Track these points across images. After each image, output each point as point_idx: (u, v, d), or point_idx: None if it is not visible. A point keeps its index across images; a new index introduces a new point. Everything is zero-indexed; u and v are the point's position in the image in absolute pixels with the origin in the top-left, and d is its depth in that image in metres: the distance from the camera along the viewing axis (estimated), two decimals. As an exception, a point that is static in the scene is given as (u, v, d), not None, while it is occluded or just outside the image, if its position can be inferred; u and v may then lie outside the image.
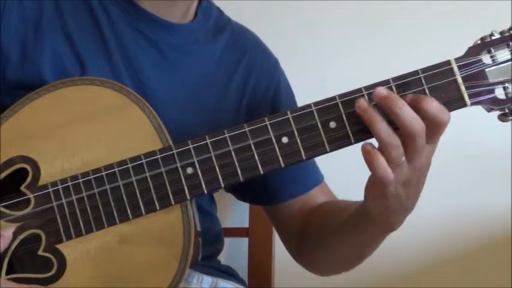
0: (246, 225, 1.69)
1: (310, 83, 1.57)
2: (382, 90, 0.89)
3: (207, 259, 1.19)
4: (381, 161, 0.89)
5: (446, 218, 1.73)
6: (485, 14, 1.60)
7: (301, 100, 0.97)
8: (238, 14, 1.29)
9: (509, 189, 1.67)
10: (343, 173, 1.59)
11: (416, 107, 0.89)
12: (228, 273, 1.28)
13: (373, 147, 0.90)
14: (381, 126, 0.89)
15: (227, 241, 1.38)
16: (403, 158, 0.90)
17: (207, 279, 1.20)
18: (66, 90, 0.99)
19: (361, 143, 0.93)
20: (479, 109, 0.95)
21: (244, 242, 1.69)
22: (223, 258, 1.33)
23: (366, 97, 0.92)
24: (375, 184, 0.92)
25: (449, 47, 0.96)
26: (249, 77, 1.20)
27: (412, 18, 1.71)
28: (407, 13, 1.71)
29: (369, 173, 0.92)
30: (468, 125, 1.63)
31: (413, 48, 1.66)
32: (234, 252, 1.71)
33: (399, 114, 0.88)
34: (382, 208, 0.95)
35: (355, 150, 0.96)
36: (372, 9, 1.71)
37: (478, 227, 1.72)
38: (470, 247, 1.72)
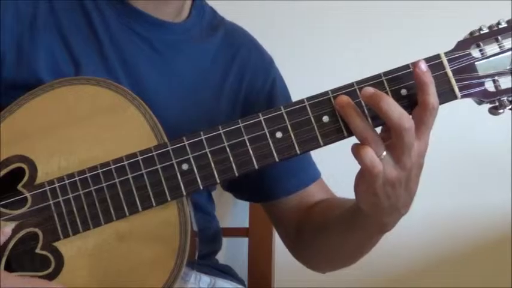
0: (246, 225, 1.69)
1: (307, 81, 1.58)
2: (368, 89, 0.90)
3: (205, 258, 1.20)
4: (369, 150, 0.90)
5: (446, 218, 1.73)
6: (485, 14, 1.60)
7: (298, 97, 0.98)
8: (238, 14, 1.30)
9: (509, 188, 1.67)
10: (341, 170, 1.59)
11: None
12: (226, 272, 1.28)
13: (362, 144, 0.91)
14: (356, 120, 0.91)
15: (227, 241, 1.38)
16: (384, 153, 0.91)
17: (205, 279, 1.20)
18: (62, 90, 1.00)
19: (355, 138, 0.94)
20: (477, 107, 0.96)
21: (243, 241, 1.69)
22: (223, 258, 1.34)
23: (358, 91, 0.93)
24: (364, 177, 0.93)
25: (448, 48, 0.96)
26: (244, 75, 1.21)
27: (409, 17, 1.71)
28: (403, 11, 1.71)
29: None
30: (467, 124, 1.64)
31: (410, 46, 1.66)
32: (234, 252, 1.71)
33: (386, 110, 0.89)
34: (372, 204, 0.96)
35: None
36: (367, 8, 1.72)
37: (478, 227, 1.72)
38: (469, 247, 1.72)
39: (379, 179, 0.91)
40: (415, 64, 0.90)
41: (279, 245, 1.36)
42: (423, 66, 0.90)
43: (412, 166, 0.92)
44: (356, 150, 0.91)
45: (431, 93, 0.89)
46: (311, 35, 1.74)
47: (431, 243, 1.74)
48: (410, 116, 0.90)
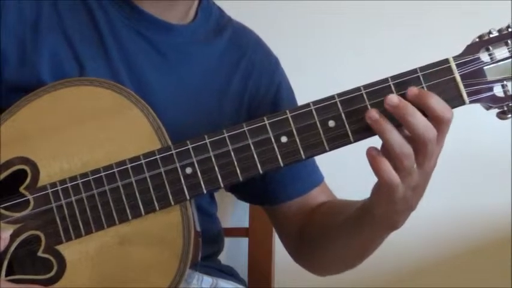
0: (246, 225, 1.69)
1: (310, 82, 1.57)
2: (393, 99, 0.89)
3: (207, 259, 1.19)
4: (387, 166, 0.89)
5: (446, 218, 1.73)
6: (485, 14, 1.60)
7: (302, 100, 0.97)
8: (238, 14, 1.29)
9: (509, 188, 1.67)
10: (344, 174, 1.59)
11: (420, 104, 0.89)
12: (228, 273, 1.28)
13: (378, 152, 0.90)
14: (394, 136, 0.89)
15: (227, 241, 1.37)
16: (415, 165, 0.90)
17: (207, 280, 1.19)
18: (65, 91, 0.99)
19: (360, 142, 0.93)
20: (479, 108, 0.95)
21: (244, 242, 1.69)
22: (223, 258, 1.33)
23: (365, 96, 0.92)
24: (382, 188, 0.92)
25: (450, 48, 0.96)
26: (249, 77, 1.20)
27: (413, 18, 1.71)
28: (407, 13, 1.71)
29: (371, 173, 0.92)
30: (468, 125, 1.63)
31: (414, 48, 1.66)
32: (234, 252, 1.71)
33: (412, 123, 0.88)
34: (389, 211, 0.95)
35: (356, 150, 0.96)
36: (372, 9, 1.72)
37: (478, 227, 1.72)
38: (470, 247, 1.72)
39: (400, 191, 0.91)
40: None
41: (279, 245, 1.36)
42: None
43: (431, 169, 0.93)
44: (373, 163, 0.89)
45: (439, 110, 0.89)
46: (315, 37, 1.74)
47: (431, 243, 1.74)
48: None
